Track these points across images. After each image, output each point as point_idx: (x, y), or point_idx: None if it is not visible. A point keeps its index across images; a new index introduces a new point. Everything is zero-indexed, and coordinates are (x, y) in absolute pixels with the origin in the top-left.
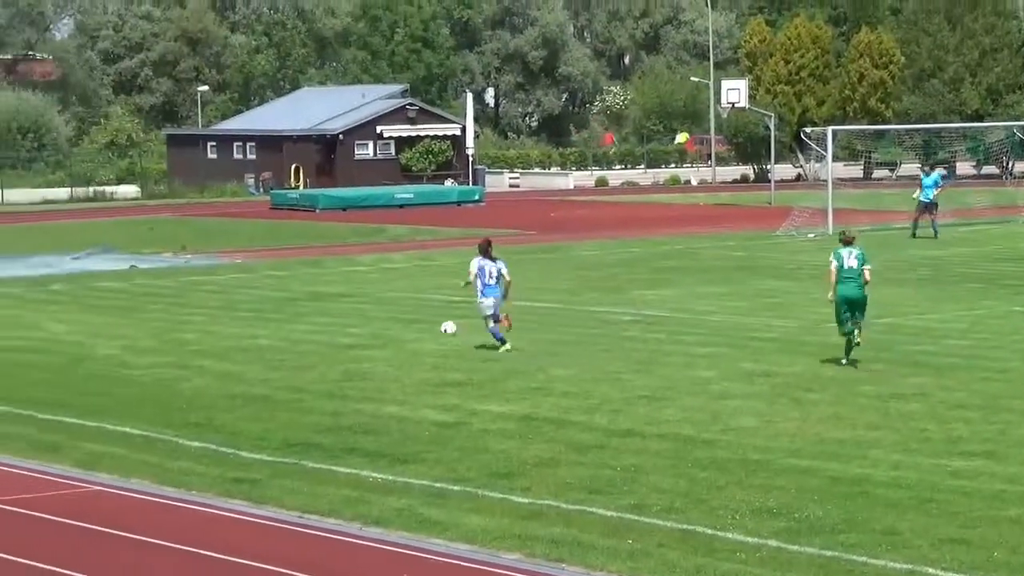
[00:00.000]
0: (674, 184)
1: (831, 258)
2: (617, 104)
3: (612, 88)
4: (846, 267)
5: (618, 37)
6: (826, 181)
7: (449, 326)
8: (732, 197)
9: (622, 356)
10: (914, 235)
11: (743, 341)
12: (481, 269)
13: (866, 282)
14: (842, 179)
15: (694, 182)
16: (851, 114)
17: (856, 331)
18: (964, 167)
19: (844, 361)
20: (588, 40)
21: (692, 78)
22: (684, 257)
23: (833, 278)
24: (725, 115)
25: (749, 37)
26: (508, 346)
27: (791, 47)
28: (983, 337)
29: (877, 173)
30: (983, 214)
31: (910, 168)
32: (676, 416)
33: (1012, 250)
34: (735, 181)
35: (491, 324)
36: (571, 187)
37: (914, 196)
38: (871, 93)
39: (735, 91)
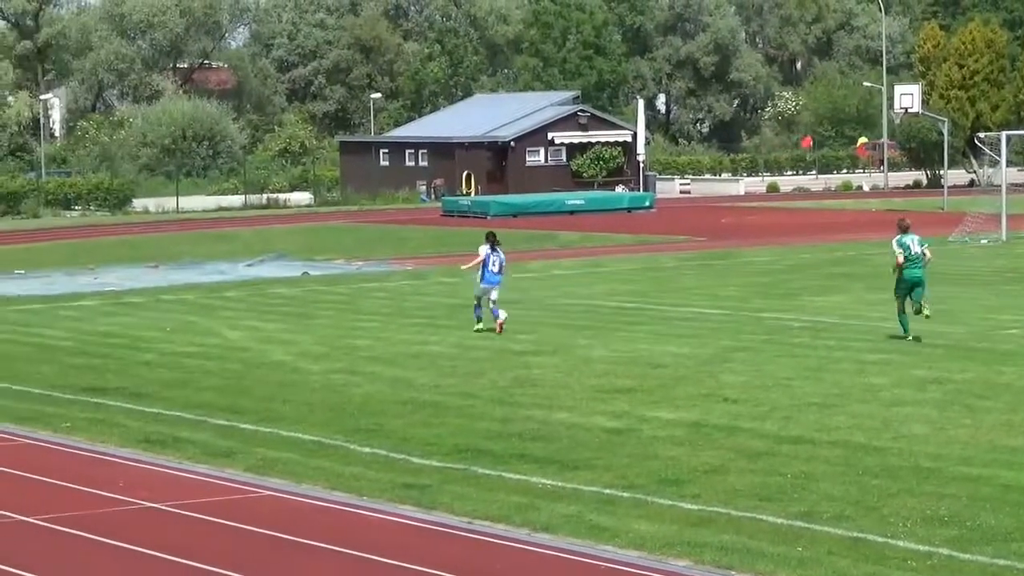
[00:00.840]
0: (846, 190)
1: (896, 247)
2: (789, 110)
3: (784, 94)
4: (913, 253)
5: (790, 42)
6: (999, 186)
7: (501, 313)
8: (904, 203)
9: (792, 363)
10: None
11: (914, 348)
12: (487, 257)
13: (928, 262)
14: (1016, 184)
15: (866, 188)
16: None
17: (923, 306)
18: None
19: (909, 337)
20: (760, 46)
21: (864, 83)
22: (855, 263)
23: (900, 261)
24: (898, 120)
25: (923, 42)
26: (480, 326)
27: (965, 52)
28: None
29: None
30: None
31: None
32: (847, 423)
33: None
34: (907, 187)
35: (492, 306)
36: (742, 193)
37: None
38: None
39: (908, 96)
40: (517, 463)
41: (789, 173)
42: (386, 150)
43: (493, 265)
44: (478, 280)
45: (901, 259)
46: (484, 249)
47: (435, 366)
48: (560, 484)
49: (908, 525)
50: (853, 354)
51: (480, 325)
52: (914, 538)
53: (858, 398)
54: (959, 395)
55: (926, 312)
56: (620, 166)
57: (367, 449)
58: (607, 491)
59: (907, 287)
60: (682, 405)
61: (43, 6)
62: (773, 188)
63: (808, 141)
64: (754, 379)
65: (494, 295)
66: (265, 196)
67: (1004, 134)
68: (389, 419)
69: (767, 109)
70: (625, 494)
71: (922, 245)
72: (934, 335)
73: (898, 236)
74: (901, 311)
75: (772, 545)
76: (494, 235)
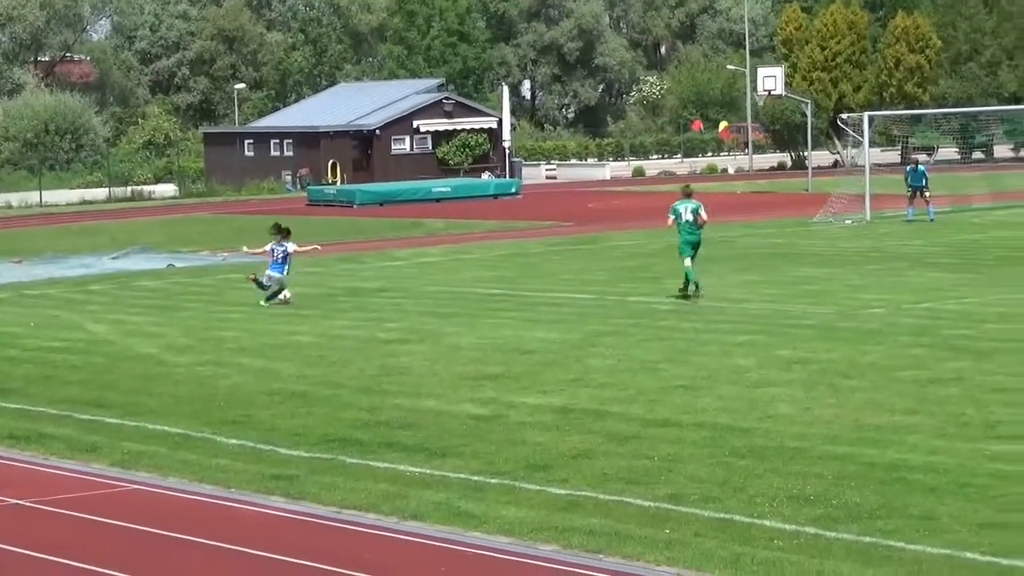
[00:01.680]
0: (711, 173)
1: (670, 213)
2: (654, 94)
3: (648, 78)
4: (684, 220)
5: (654, 27)
6: (863, 167)
7: (287, 293)
8: (769, 185)
9: (659, 346)
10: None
11: (780, 329)
12: (273, 250)
13: (702, 224)
14: (879, 165)
15: (731, 170)
16: (888, 99)
17: (691, 269)
18: (1002, 150)
19: (690, 292)
20: (624, 30)
21: (728, 66)
22: (720, 246)
23: (669, 223)
24: (762, 103)
25: (785, 24)
26: (264, 304)
27: (827, 33)
28: (1023, 321)
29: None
30: (1021, 197)
31: (948, 152)
32: (713, 405)
33: None
34: (772, 169)
35: (273, 288)
36: (608, 178)
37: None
38: (908, 78)
39: (771, 79)
40: (385, 452)
41: (655, 157)
42: (251, 140)
43: (278, 257)
44: (268, 269)
45: (670, 222)
46: (271, 245)
47: (302, 356)
48: (428, 472)
49: (774, 505)
50: (719, 336)
51: (264, 304)
52: (780, 517)
53: (725, 380)
54: (824, 375)
55: (695, 279)
56: (486, 153)
57: (234, 441)
58: (475, 478)
59: (687, 247)
60: (550, 390)
61: None
62: (639, 172)
63: (699, 124)
64: (621, 363)
65: (281, 284)
66: (130, 189)
67: (866, 115)
68: (256, 410)
69: (632, 94)
70: (493, 480)
71: (695, 212)
72: (799, 315)
73: (676, 201)
74: (686, 267)
75: (640, 528)
76: (279, 225)
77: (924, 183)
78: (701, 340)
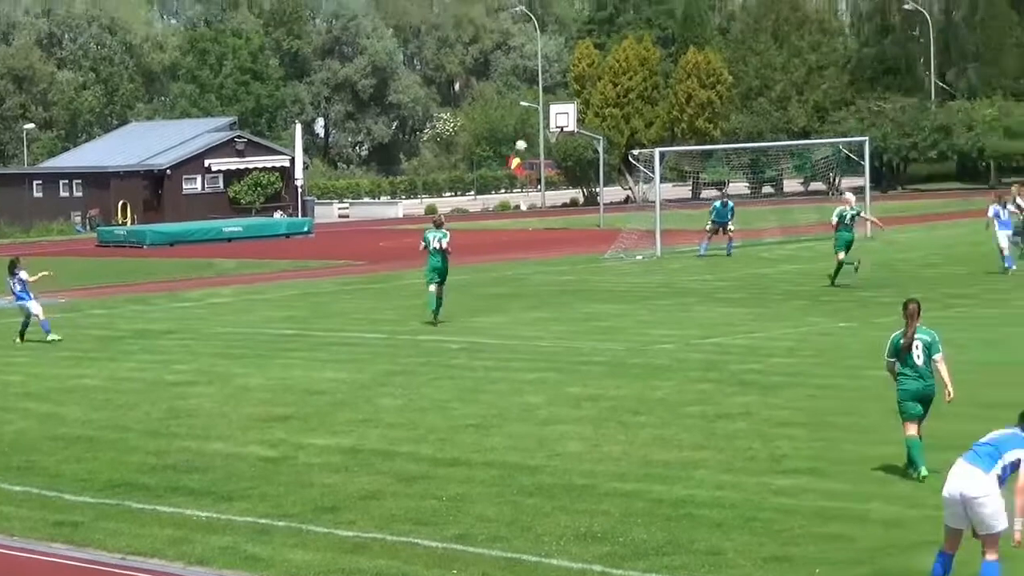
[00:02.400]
0: (504, 210)
1: (421, 240)
2: (447, 131)
3: (442, 115)
4: (432, 247)
5: (448, 64)
6: (654, 203)
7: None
8: (562, 221)
9: (450, 385)
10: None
11: (571, 366)
12: (11, 285)
13: (448, 252)
14: (671, 200)
15: (524, 207)
16: (679, 135)
17: (435, 296)
18: (792, 184)
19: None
20: (418, 67)
21: (522, 103)
22: (513, 283)
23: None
24: (554, 139)
25: (578, 61)
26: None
27: (619, 70)
28: (808, 355)
29: (705, 193)
30: (810, 231)
31: (738, 187)
32: (503, 443)
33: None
34: (565, 205)
35: (40, 320)
36: (400, 216)
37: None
38: (699, 113)
39: (563, 115)
40: (172, 496)
41: (448, 194)
42: (39, 181)
43: (15, 288)
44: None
45: (421, 247)
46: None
47: (88, 400)
48: (215, 516)
49: (562, 543)
50: (510, 374)
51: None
52: (568, 556)
53: (515, 418)
54: (614, 412)
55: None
56: (278, 192)
57: (18, 487)
58: (262, 521)
59: (432, 273)
60: (339, 431)
61: None
62: (431, 210)
63: (516, 167)
64: (412, 402)
65: (35, 310)
66: None
67: (658, 151)
68: (41, 456)
69: (426, 131)
70: (280, 523)
71: (442, 240)
72: (590, 352)
73: (427, 231)
74: (430, 292)
75: (427, 569)
76: (16, 260)
77: (730, 218)
78: (491, 378)
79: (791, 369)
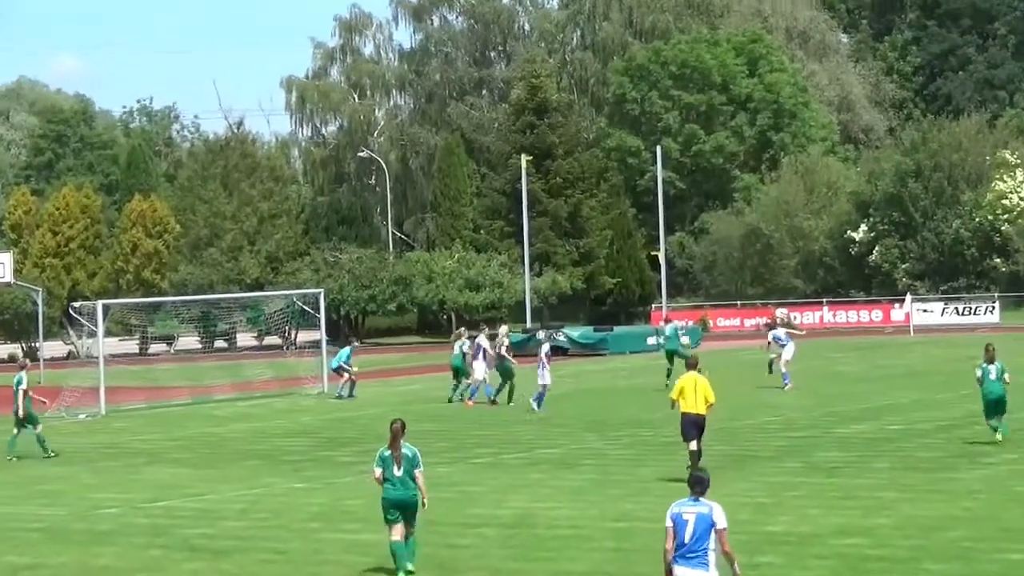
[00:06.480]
0: None
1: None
2: None
3: None
4: None
5: None
6: (98, 358)
7: None
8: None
9: None
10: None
11: (8, 532)
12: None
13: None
14: (116, 355)
15: None
16: (125, 286)
17: None
18: (245, 338)
19: None
20: None
21: None
22: None
23: None
24: None
25: (14, 208)
26: None
27: (59, 217)
28: (263, 516)
29: (154, 347)
30: (265, 387)
31: (189, 341)
32: None
33: (293, 425)
34: (2, 360)
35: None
36: None
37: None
38: (146, 263)
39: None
40: None
41: None
42: None
43: None
44: None
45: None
46: None
47: None
48: None
49: None
50: None
51: None
52: None
53: None
54: None
55: None
56: None
57: None
58: None
59: None
60: None
61: None
62: None
63: None
64: None
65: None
66: None
67: (100, 303)
68: None
69: None
70: None
71: None
72: (29, 518)
73: None
74: None
75: None
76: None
77: (348, 360)
78: None
79: (244, 532)
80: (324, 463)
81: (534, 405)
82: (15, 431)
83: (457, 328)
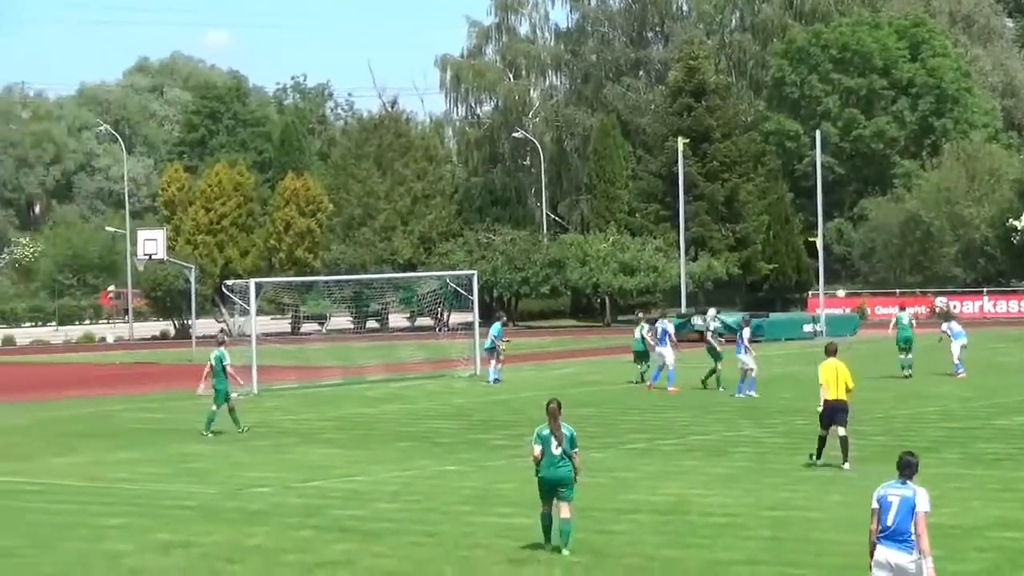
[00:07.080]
0: (88, 342)
1: None
2: (27, 257)
3: (21, 240)
4: None
5: (27, 185)
6: (250, 336)
7: None
8: (151, 355)
9: (23, 531)
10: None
11: (160, 510)
12: None
13: None
14: (268, 334)
15: (110, 339)
16: (277, 265)
17: None
18: (397, 318)
19: None
20: None
21: (107, 228)
22: (96, 421)
23: None
24: (142, 267)
25: (167, 185)
26: None
27: (212, 195)
28: (414, 499)
29: (306, 327)
30: (417, 368)
31: (341, 321)
32: None
33: (446, 407)
34: (154, 337)
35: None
36: None
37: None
38: (298, 242)
39: (152, 242)
40: None
41: (27, 325)
42: None
43: None
44: None
45: None
46: None
47: None
48: None
49: None
50: (92, 519)
51: None
52: None
53: (98, 567)
54: (206, 559)
55: None
56: None
57: None
58: None
59: None
60: None
61: None
62: (9, 341)
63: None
64: None
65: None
66: None
67: (253, 282)
68: None
69: (3, 256)
70: None
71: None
72: (183, 496)
73: None
74: None
75: None
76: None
77: (499, 334)
78: (71, 524)
79: (395, 515)
80: (477, 446)
81: (750, 392)
82: (213, 407)
83: (638, 314)
